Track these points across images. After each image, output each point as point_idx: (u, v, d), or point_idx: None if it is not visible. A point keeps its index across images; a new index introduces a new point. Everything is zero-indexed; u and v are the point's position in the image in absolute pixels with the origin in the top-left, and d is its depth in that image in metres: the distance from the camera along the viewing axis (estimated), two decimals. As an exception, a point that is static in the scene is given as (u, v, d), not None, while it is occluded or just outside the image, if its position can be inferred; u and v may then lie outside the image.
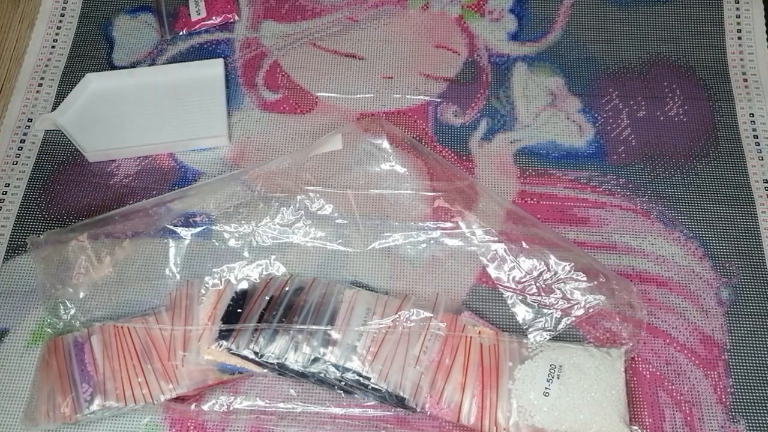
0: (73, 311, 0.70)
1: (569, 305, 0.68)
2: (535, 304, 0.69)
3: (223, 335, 0.66)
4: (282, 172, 0.76)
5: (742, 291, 0.71)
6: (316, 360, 0.64)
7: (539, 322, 0.68)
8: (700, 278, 0.72)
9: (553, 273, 0.69)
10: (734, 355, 0.68)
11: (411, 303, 0.67)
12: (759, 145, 0.78)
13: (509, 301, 0.70)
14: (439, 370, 0.64)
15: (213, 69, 0.84)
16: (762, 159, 0.77)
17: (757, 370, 0.67)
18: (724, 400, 0.66)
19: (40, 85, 0.85)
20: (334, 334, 0.65)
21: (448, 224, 0.73)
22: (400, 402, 0.64)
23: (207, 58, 0.85)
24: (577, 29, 0.86)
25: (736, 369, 0.67)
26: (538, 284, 0.69)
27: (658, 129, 0.79)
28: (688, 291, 0.71)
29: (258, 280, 0.71)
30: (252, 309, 0.68)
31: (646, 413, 0.66)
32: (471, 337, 0.66)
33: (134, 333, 0.68)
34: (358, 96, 0.83)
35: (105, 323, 0.69)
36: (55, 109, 0.82)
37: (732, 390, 0.67)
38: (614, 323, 0.68)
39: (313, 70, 0.85)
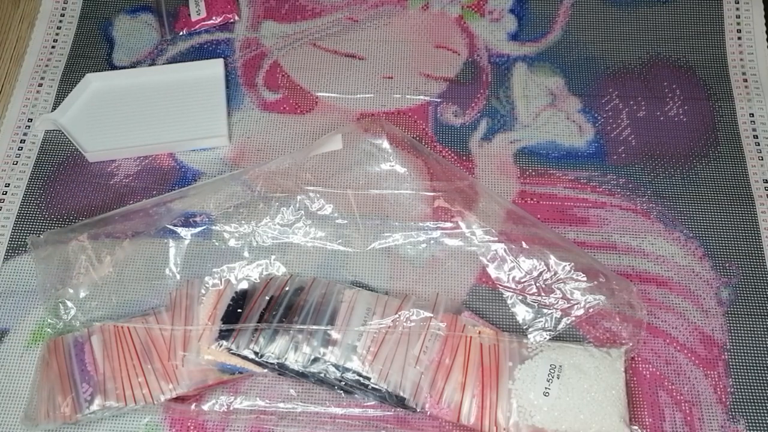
0: (73, 311, 0.70)
1: (569, 305, 0.68)
2: (535, 304, 0.69)
3: (223, 335, 0.66)
4: (282, 172, 0.76)
5: (742, 291, 0.71)
6: (316, 360, 0.64)
7: (539, 322, 0.68)
8: (700, 278, 0.72)
9: (553, 273, 0.69)
10: (734, 355, 0.68)
11: (411, 303, 0.67)
12: (759, 145, 0.78)
13: (509, 301, 0.70)
14: (439, 370, 0.64)
15: (213, 69, 0.84)
16: (762, 159, 0.77)
17: (757, 370, 0.67)
18: (724, 400, 0.66)
19: (40, 85, 0.85)
20: (334, 334, 0.65)
21: (448, 224, 0.73)
22: (400, 402, 0.64)
23: (207, 58, 0.85)
24: (577, 29, 0.86)
25: (736, 369, 0.67)
26: (538, 284, 0.69)
27: (658, 129, 0.80)
28: (688, 291, 0.71)
29: (258, 280, 0.71)
30: (252, 309, 0.68)
31: (646, 413, 0.66)
32: (471, 337, 0.66)
33: (134, 333, 0.68)
34: (358, 96, 0.83)
35: (105, 323, 0.69)
36: (55, 109, 0.82)
37: (732, 390, 0.67)
38: (614, 323, 0.68)
39: (313, 70, 0.85)
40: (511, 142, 0.80)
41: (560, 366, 0.64)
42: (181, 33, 0.88)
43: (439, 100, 0.83)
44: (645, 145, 0.79)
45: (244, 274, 0.71)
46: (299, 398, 0.67)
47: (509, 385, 0.64)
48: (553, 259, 0.70)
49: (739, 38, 0.84)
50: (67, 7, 0.91)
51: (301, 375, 0.65)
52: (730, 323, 0.69)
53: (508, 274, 0.71)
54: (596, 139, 0.79)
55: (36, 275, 0.73)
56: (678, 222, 0.74)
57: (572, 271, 0.69)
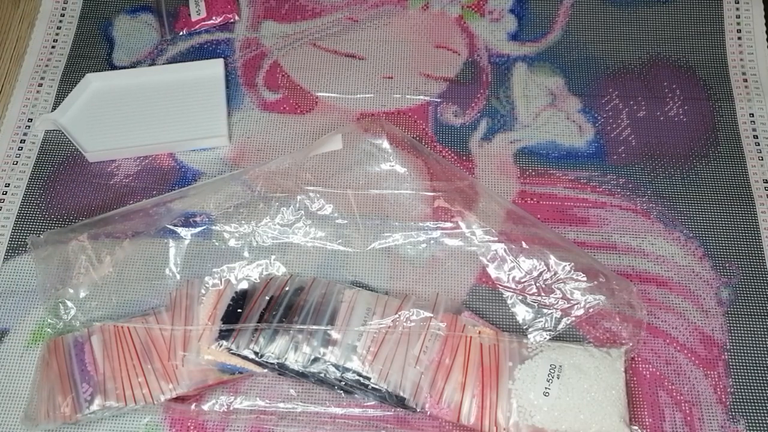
0: (73, 311, 0.70)
1: (569, 305, 0.68)
2: (535, 304, 0.69)
3: (223, 335, 0.66)
4: (282, 172, 0.76)
5: (742, 291, 0.71)
6: (316, 360, 0.64)
7: (539, 322, 0.68)
8: (700, 278, 0.72)
9: (553, 273, 0.69)
10: (734, 355, 0.68)
11: (411, 303, 0.67)
12: (759, 145, 0.78)
13: (509, 301, 0.70)
14: (439, 370, 0.64)
15: (213, 69, 0.84)
16: (762, 159, 0.77)
17: (757, 370, 0.67)
18: (724, 400, 0.66)
19: (40, 85, 0.85)
20: (334, 334, 0.65)
21: (448, 224, 0.73)
22: (400, 402, 0.64)
23: (207, 58, 0.85)
24: (577, 29, 0.86)
25: (736, 369, 0.67)
26: (538, 284, 0.69)
27: (658, 129, 0.80)
28: (688, 291, 0.71)
29: (258, 280, 0.71)
30: (252, 309, 0.68)
31: (646, 413, 0.66)
32: (471, 337, 0.66)
33: (134, 333, 0.68)
34: (358, 96, 0.83)
35: (105, 323, 0.69)
36: (55, 109, 0.82)
37: (732, 390, 0.67)
38: (614, 323, 0.68)
39: (313, 70, 0.85)
40: (511, 142, 0.80)
41: (560, 366, 0.64)
42: (181, 33, 0.88)
43: (439, 100, 0.83)
44: (645, 145, 0.79)
45: (244, 274, 0.71)
46: (299, 398, 0.67)
47: (509, 385, 0.64)
48: (553, 259, 0.70)
49: (739, 38, 0.84)
50: (67, 7, 0.91)
51: (301, 375, 0.65)
52: (730, 323, 0.69)
53: (508, 274, 0.71)
54: (596, 139, 0.79)
55: (36, 275, 0.72)
56: (678, 222, 0.74)
57: (572, 271, 0.69)
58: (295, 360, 0.65)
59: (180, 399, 0.66)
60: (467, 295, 0.71)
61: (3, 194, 0.79)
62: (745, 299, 0.70)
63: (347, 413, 0.66)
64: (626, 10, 0.86)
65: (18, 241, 0.76)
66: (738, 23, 0.85)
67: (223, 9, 0.88)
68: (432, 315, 0.66)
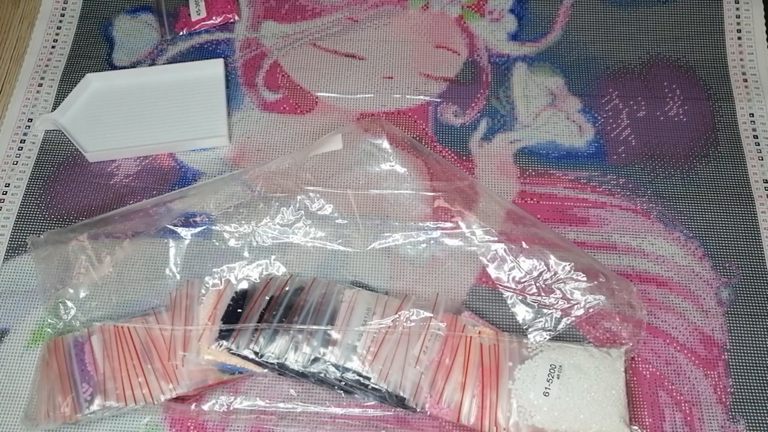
0: (73, 311, 0.70)
1: (569, 305, 0.68)
2: (535, 304, 0.69)
3: (223, 335, 0.66)
4: (282, 172, 0.76)
5: (742, 291, 0.71)
6: (316, 360, 0.64)
7: (539, 322, 0.68)
8: (700, 278, 0.72)
9: (553, 273, 0.69)
10: (734, 355, 0.68)
11: (411, 303, 0.67)
12: (759, 145, 0.78)
13: (509, 301, 0.70)
14: (439, 370, 0.64)
15: (213, 69, 0.84)
16: (762, 159, 0.77)
17: (757, 370, 0.67)
18: (724, 400, 0.66)
19: (40, 85, 0.85)
20: (334, 334, 0.65)
21: (448, 224, 0.73)
22: (400, 402, 0.64)
23: (207, 58, 0.85)
24: (577, 29, 0.86)
25: (736, 369, 0.67)
26: (538, 284, 0.69)
27: (658, 129, 0.80)
28: (688, 291, 0.71)
29: (258, 280, 0.71)
30: (252, 309, 0.68)
31: (646, 413, 0.66)
32: (471, 337, 0.66)
33: (134, 333, 0.68)
34: (358, 96, 0.83)
35: (105, 323, 0.69)
36: (55, 109, 0.82)
37: (732, 390, 0.67)
38: (614, 323, 0.68)
39: (313, 70, 0.85)
40: (511, 142, 0.80)
41: (560, 366, 0.64)
42: (181, 33, 0.88)
43: (439, 100, 0.83)
44: (645, 145, 0.79)
45: (244, 274, 0.71)
46: (299, 398, 0.67)
47: (509, 385, 0.64)
48: (553, 259, 0.70)
49: (739, 38, 0.84)
50: (67, 7, 0.91)
51: (301, 375, 0.65)
52: (730, 323, 0.69)
53: (508, 274, 0.71)
54: (596, 139, 0.79)
55: (36, 275, 0.73)
56: (678, 222, 0.74)
57: (572, 271, 0.69)
58: (295, 360, 0.65)
59: (180, 399, 0.66)
60: (467, 295, 0.71)
61: (3, 194, 0.79)
62: (745, 299, 0.70)
63: (347, 413, 0.66)
64: (626, 10, 0.86)
65: (18, 241, 0.76)
66: (738, 23, 0.85)
67: (223, 9, 0.88)
68: (432, 315, 0.66)
